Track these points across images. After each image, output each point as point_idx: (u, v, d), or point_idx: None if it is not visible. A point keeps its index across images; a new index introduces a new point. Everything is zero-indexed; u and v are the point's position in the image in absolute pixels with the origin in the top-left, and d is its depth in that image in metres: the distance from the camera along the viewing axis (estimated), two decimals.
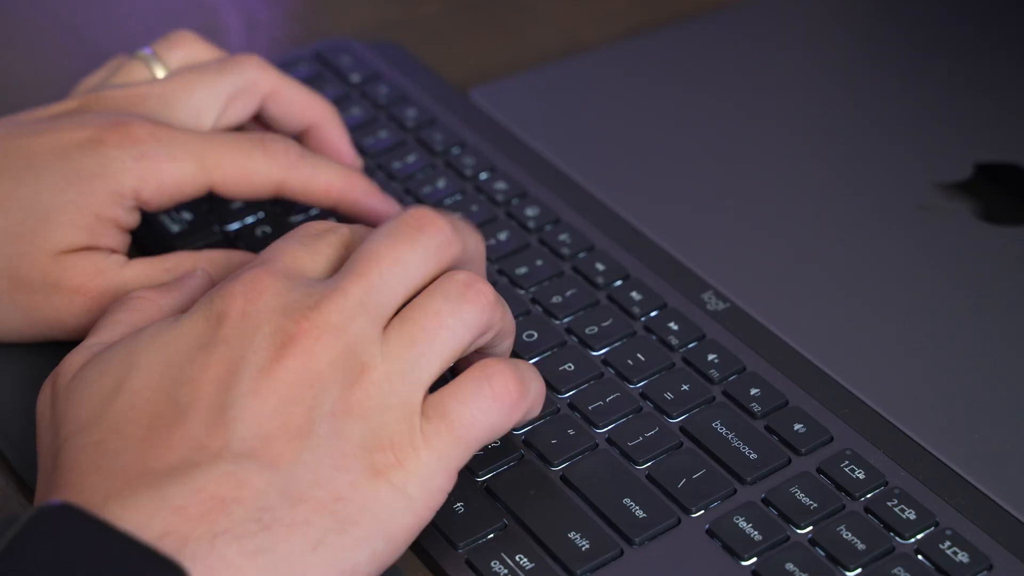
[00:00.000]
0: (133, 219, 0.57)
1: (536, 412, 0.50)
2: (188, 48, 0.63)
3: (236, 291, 0.48)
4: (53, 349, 0.55)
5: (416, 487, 0.46)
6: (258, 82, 0.61)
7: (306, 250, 0.50)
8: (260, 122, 0.63)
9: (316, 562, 0.44)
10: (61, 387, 0.49)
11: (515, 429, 0.52)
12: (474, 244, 0.52)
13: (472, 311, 0.48)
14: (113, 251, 0.56)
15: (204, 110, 0.60)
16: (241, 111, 0.61)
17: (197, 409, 0.46)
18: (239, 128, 0.62)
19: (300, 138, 0.62)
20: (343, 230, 0.52)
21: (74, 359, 0.50)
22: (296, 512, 0.44)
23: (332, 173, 0.59)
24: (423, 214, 0.50)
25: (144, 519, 0.43)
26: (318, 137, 0.62)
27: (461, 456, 0.47)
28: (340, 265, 0.50)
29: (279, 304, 0.47)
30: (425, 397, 0.47)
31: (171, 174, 0.56)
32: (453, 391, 0.48)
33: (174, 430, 0.45)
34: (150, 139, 0.56)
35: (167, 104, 0.59)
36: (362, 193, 0.59)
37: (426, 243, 0.49)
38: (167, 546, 0.42)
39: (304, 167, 0.58)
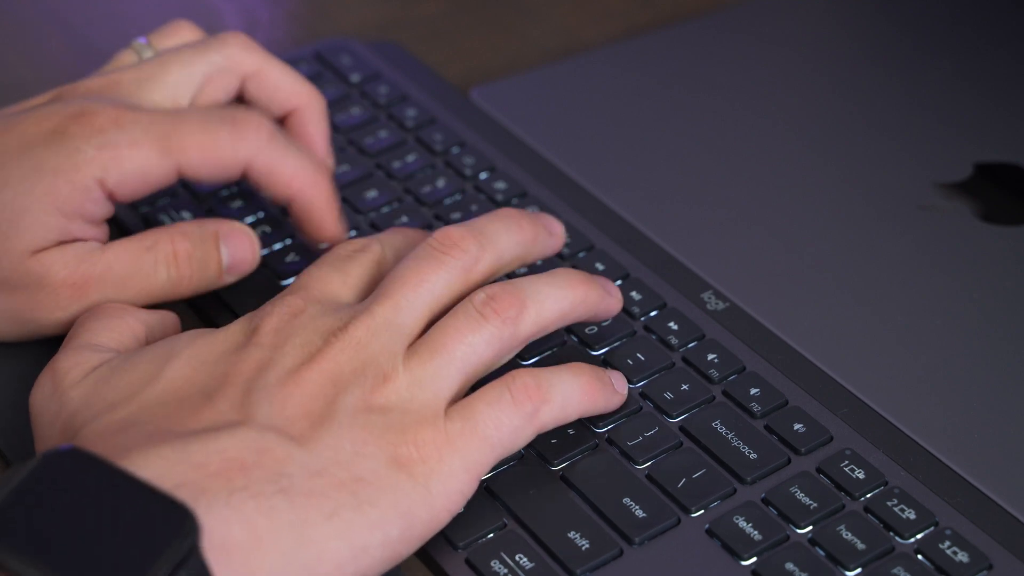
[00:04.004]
0: (106, 210, 0.56)
1: (570, 417, 0.51)
2: (184, 37, 0.62)
3: (273, 311, 0.50)
4: (49, 346, 0.55)
5: (437, 484, 0.47)
6: (239, 62, 0.59)
7: (338, 274, 0.52)
8: (244, 103, 0.61)
9: (329, 532, 0.45)
10: (72, 381, 0.49)
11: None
12: (510, 248, 0.53)
13: (492, 328, 0.50)
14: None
15: (180, 90, 0.58)
16: (220, 92, 0.59)
17: (224, 393, 0.47)
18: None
19: (281, 121, 0.61)
20: (375, 248, 0.53)
21: (76, 356, 0.50)
22: (315, 483, 0.45)
23: (300, 165, 0.57)
24: (448, 236, 0.51)
25: (162, 470, 0.44)
26: (298, 123, 0.61)
27: (484, 459, 0.48)
28: (372, 285, 0.52)
29: (311, 325, 0.49)
30: (449, 406, 0.49)
31: (134, 161, 0.55)
32: (479, 395, 0.49)
33: (200, 408, 0.47)
34: (111, 126, 0.55)
35: (141, 86, 0.58)
36: (321, 199, 0.58)
37: (451, 265, 0.51)
38: (181, 495, 0.43)
39: (273, 150, 0.56)
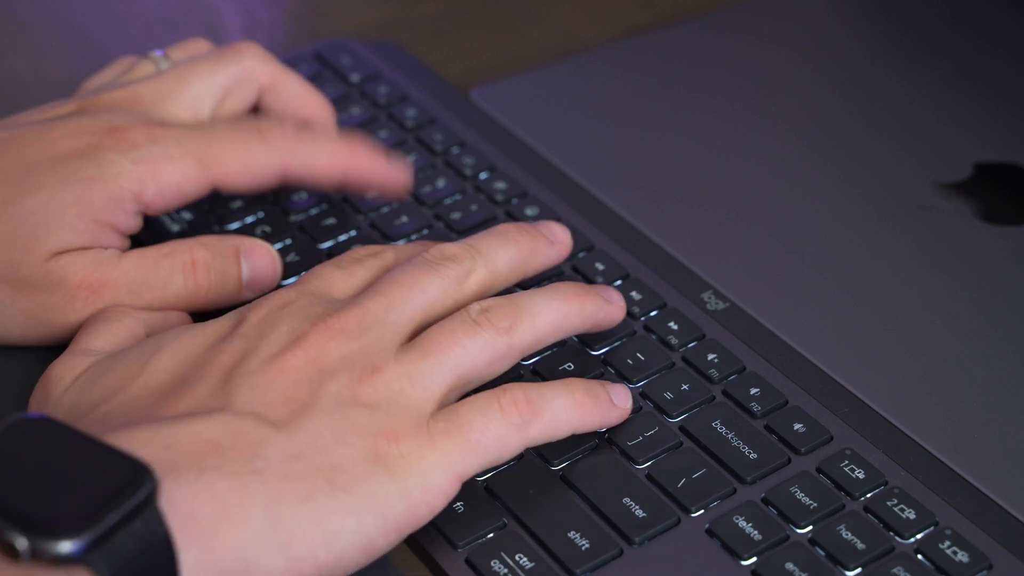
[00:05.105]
0: (135, 224, 0.56)
1: (561, 433, 0.50)
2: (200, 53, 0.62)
3: (262, 303, 0.50)
4: (56, 351, 0.55)
5: (415, 480, 0.47)
6: (257, 74, 0.61)
7: (341, 273, 0.52)
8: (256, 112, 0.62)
9: (302, 513, 0.45)
10: (63, 387, 0.50)
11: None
12: (504, 262, 0.53)
13: (487, 336, 0.50)
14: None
15: (201, 103, 0.59)
16: (239, 103, 0.61)
17: (203, 380, 0.47)
18: None
19: None
20: (387, 255, 0.54)
21: (69, 363, 0.51)
22: (290, 466, 0.45)
23: (333, 148, 0.59)
24: (442, 250, 0.52)
25: (131, 449, 0.43)
26: None
27: (467, 462, 0.48)
28: None
29: (300, 313, 0.49)
30: (436, 410, 0.49)
31: (170, 174, 0.56)
32: (467, 400, 0.49)
33: (179, 395, 0.47)
34: (146, 141, 0.56)
35: (163, 100, 0.59)
36: (368, 162, 0.59)
37: (445, 274, 0.51)
38: None
39: (304, 149, 0.58)
